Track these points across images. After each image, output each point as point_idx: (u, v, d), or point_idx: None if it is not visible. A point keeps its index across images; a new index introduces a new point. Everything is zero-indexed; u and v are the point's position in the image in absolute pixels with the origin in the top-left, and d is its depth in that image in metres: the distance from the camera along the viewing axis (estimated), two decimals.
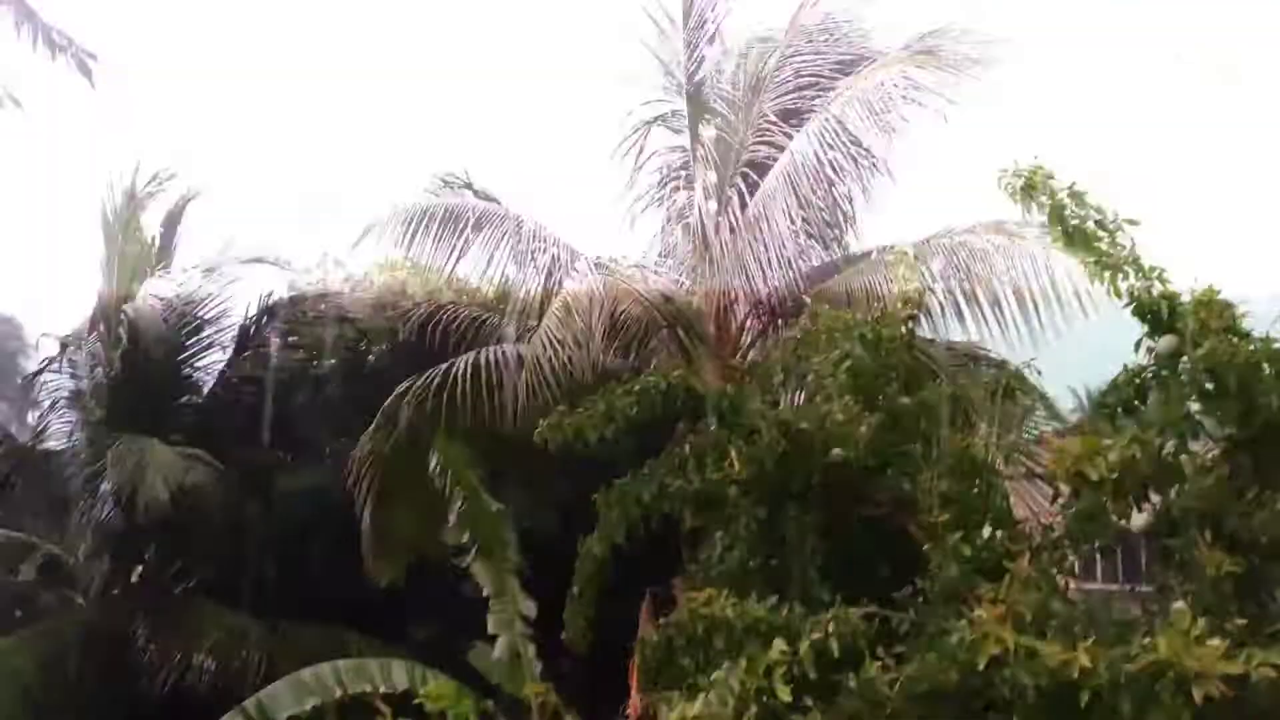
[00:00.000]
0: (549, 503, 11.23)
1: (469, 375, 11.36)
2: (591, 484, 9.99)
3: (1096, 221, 8.82)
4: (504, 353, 11.63)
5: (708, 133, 12.07)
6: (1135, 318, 8.55)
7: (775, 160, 11.39)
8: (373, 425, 11.90)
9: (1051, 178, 9.18)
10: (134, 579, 12.32)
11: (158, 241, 14.89)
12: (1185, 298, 8.33)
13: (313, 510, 11.89)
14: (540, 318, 12.54)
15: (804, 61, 11.55)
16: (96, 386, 13.80)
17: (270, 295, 14.66)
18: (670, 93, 12.26)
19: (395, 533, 11.21)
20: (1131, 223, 8.82)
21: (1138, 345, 8.84)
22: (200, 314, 14.47)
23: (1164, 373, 8.08)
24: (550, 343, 10.51)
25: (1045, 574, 7.75)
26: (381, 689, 8.06)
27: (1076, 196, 8.90)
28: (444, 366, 11.67)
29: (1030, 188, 9.00)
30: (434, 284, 14.54)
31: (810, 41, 11.73)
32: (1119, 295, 8.78)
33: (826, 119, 11.29)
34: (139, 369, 13.30)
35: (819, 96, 11.57)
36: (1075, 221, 8.88)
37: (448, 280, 14.21)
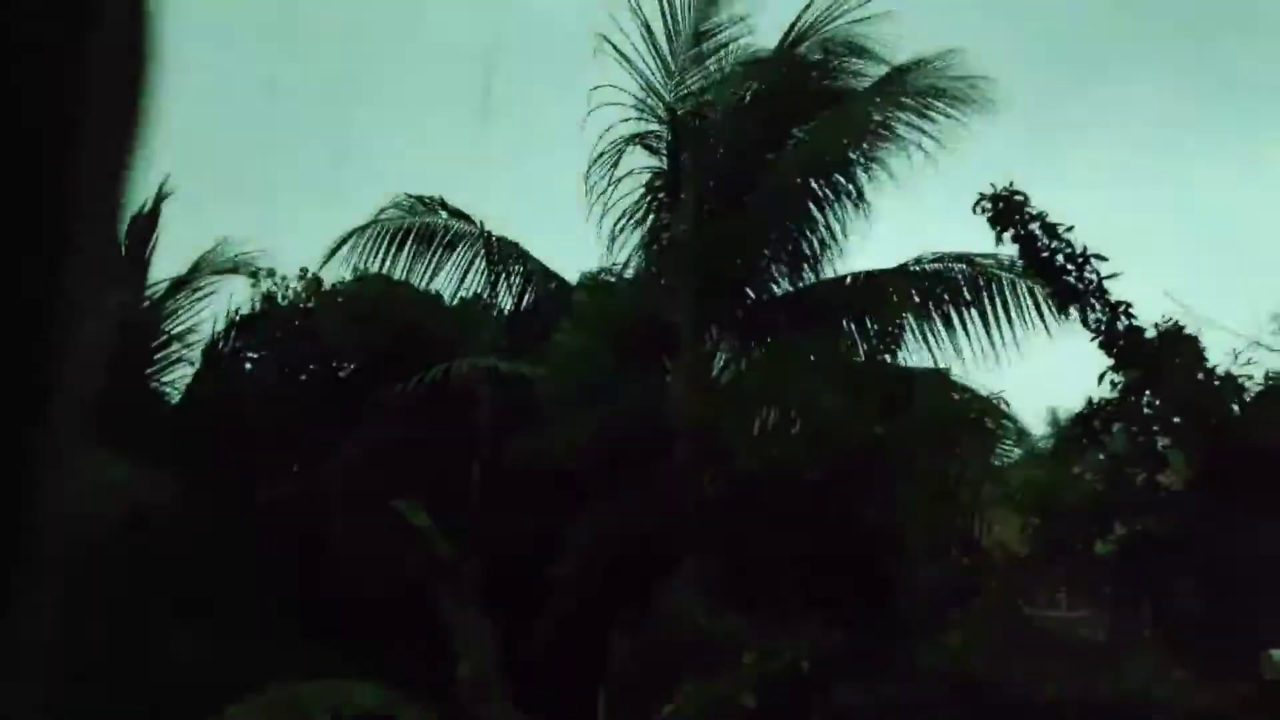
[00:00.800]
0: (522, 520, 11.17)
1: (441, 392, 11.30)
2: (567, 501, 9.98)
3: (1066, 254, 9.06)
4: (476, 369, 11.57)
5: (689, 154, 12.14)
6: (1101, 350, 8.77)
7: (756, 185, 11.48)
8: (343, 440, 11.77)
9: (1026, 206, 9.43)
10: (91, 599, 12.02)
11: (124, 247, 14.64)
12: (1151, 331, 8.55)
13: (284, 527, 11.74)
14: (510, 334, 12.53)
15: (788, 90, 11.64)
16: None
17: (238, 311, 14.44)
18: (651, 111, 12.29)
19: (369, 550, 11.08)
20: (1100, 258, 9.06)
21: (1101, 377, 9.07)
22: (169, 328, 14.22)
23: (1130, 405, 8.27)
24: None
25: (1014, 600, 7.88)
26: (352, 709, 7.99)
27: (1049, 229, 9.12)
28: (414, 381, 11.60)
29: (1006, 212, 9.25)
30: (408, 299, 14.46)
31: (795, 70, 11.83)
32: (1086, 327, 9.00)
33: (807, 147, 11.42)
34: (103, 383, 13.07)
35: (802, 124, 11.68)
36: (1045, 254, 9.13)
37: (422, 296, 14.16)
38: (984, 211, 9.47)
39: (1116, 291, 9.20)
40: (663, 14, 11.96)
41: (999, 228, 9.18)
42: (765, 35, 11.99)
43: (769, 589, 7.21)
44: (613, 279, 12.11)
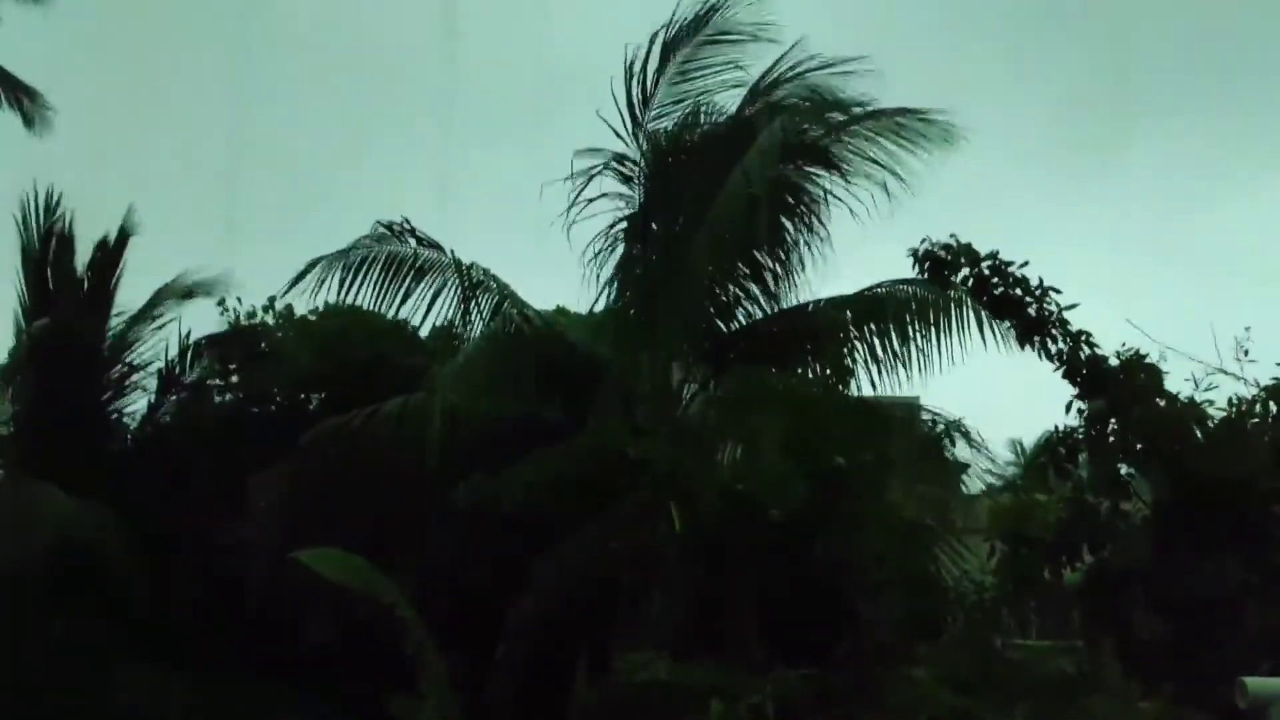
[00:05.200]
0: (483, 555, 10.99)
1: (396, 421, 11.12)
2: (529, 536, 9.81)
3: (1022, 288, 9.13)
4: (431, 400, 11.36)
5: (660, 184, 12.11)
6: (1065, 380, 8.79)
7: (723, 215, 11.44)
8: (287, 467, 11.48)
9: (964, 255, 9.49)
10: (40, 638, 11.64)
11: (90, 278, 14.35)
12: (1113, 361, 8.58)
13: (236, 562, 11.46)
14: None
15: (759, 128, 11.65)
16: (11, 430, 13.27)
17: (189, 334, 14.06)
18: (624, 135, 12.24)
19: (318, 584, 10.82)
20: (1055, 290, 9.12)
21: (1068, 407, 9.10)
22: (129, 359, 13.95)
23: (1095, 434, 8.27)
24: (453, 389, 10.30)
25: (980, 633, 7.81)
26: None
27: (998, 269, 9.21)
28: (368, 410, 11.42)
29: (949, 264, 9.36)
30: (376, 328, 14.28)
31: (771, 110, 11.88)
32: (1049, 359, 9.04)
33: (773, 177, 11.43)
34: (56, 412, 12.80)
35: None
36: (999, 291, 9.21)
37: (390, 325, 13.98)
38: (921, 269, 9.59)
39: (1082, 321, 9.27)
40: (648, 46, 11.92)
41: (941, 276, 9.30)
42: (754, 70, 12.04)
43: (733, 627, 7.11)
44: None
